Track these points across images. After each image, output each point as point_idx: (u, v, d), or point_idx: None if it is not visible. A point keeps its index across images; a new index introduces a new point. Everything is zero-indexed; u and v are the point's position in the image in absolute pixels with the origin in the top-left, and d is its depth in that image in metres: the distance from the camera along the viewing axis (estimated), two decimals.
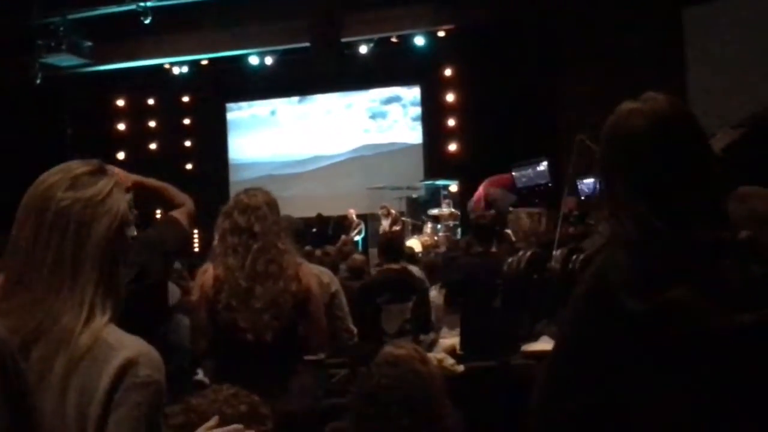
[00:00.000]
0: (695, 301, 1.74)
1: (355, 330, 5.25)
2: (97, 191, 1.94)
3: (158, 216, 4.15)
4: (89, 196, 1.92)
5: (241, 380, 3.90)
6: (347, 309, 5.24)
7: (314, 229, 17.22)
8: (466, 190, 15.80)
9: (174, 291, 5.14)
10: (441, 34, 17.36)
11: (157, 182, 4.01)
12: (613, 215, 1.97)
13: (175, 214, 3.88)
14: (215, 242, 4.21)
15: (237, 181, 20.08)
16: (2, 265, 1.93)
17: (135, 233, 4.19)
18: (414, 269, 8.20)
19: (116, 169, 3.90)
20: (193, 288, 4.28)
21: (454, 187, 16.62)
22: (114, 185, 2.01)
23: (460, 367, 6.19)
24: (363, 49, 17.66)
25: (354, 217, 17.92)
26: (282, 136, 21.39)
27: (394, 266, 7.15)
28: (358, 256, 8.59)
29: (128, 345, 1.88)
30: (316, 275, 4.52)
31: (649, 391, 1.79)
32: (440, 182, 16.71)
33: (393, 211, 16.67)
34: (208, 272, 4.14)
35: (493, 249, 7.23)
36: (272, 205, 4.22)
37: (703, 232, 1.82)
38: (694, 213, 1.84)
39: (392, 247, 7.35)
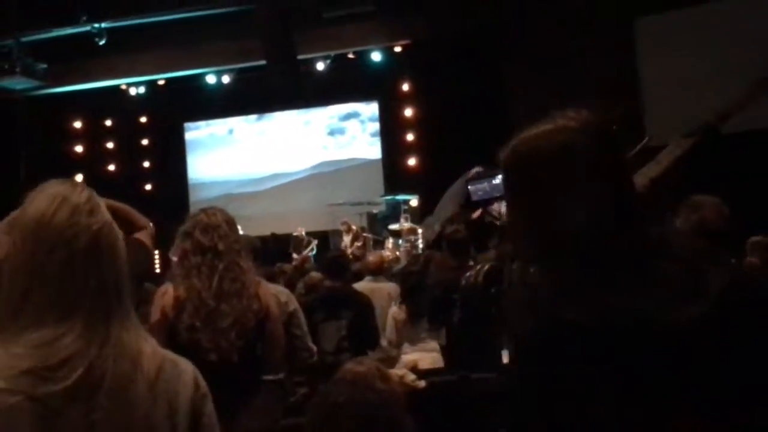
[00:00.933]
0: (635, 302, 1.66)
1: (315, 348, 5.22)
2: (107, 214, 1.97)
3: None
4: (106, 220, 1.95)
5: None
6: (306, 327, 5.22)
7: (268, 246, 17.19)
8: (426, 205, 15.83)
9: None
10: (397, 49, 17.44)
11: (119, 204, 4.00)
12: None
13: (139, 236, 3.87)
14: (174, 263, 4.18)
15: (196, 200, 20.03)
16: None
17: None
18: (389, 285, 8.20)
19: None
20: (152, 310, 4.24)
21: (414, 201, 16.64)
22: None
23: (422, 383, 6.19)
24: (320, 66, 17.68)
25: (303, 234, 17.89)
26: (240, 155, 21.35)
27: (333, 284, 7.15)
28: (315, 274, 8.57)
29: (184, 360, 2.02)
30: (274, 294, 4.51)
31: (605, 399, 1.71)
32: (400, 197, 16.72)
33: (354, 227, 16.66)
34: (168, 293, 4.10)
35: (470, 263, 7.23)
36: (231, 223, 4.21)
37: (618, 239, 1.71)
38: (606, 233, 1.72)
39: (336, 265, 7.34)
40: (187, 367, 2.00)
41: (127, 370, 1.84)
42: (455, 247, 7.30)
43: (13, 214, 2.01)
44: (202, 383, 2.02)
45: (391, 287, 8.21)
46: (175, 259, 4.19)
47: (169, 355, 1.99)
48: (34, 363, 1.74)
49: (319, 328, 6.75)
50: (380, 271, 9.13)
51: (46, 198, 1.91)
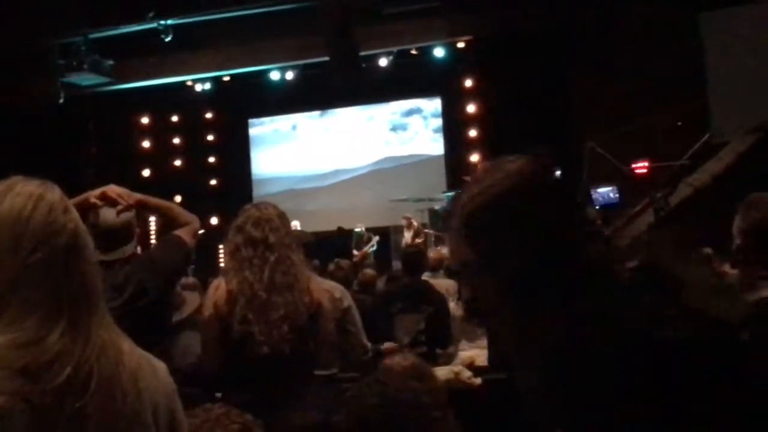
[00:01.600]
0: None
1: (369, 345, 5.23)
2: (75, 212, 1.97)
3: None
4: (78, 218, 1.95)
5: (255, 394, 3.93)
6: (360, 324, 5.22)
7: (333, 241, 17.26)
8: None
9: (192, 300, 5.14)
10: (460, 45, 17.36)
11: (160, 201, 4.05)
12: None
13: (179, 232, 3.91)
14: (226, 256, 4.22)
15: (260, 195, 20.13)
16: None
17: (138, 250, 4.22)
18: (447, 282, 8.21)
19: (119, 188, 3.96)
20: (204, 304, 4.28)
21: None
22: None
23: (478, 380, 6.19)
24: (383, 62, 17.66)
25: (364, 230, 17.88)
26: (303, 151, 21.46)
27: (411, 277, 7.17)
28: (368, 271, 8.62)
29: (151, 356, 2.03)
30: (327, 290, 4.53)
31: None
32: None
33: (415, 223, 16.63)
34: (220, 287, 4.14)
35: None
36: (283, 217, 4.24)
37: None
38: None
39: (412, 260, 7.38)
40: (160, 365, 2.02)
41: (111, 368, 1.85)
42: None
43: None
44: (172, 380, 2.05)
45: (449, 284, 8.21)
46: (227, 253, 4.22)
47: (144, 352, 1.99)
48: (24, 363, 1.74)
49: (397, 319, 6.77)
50: (439, 266, 9.14)
51: (21, 196, 1.90)
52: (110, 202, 3.83)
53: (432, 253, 9.26)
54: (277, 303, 3.99)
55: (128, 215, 3.92)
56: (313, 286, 4.18)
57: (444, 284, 8.13)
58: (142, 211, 4.07)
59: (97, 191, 3.84)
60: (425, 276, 8.31)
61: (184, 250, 3.89)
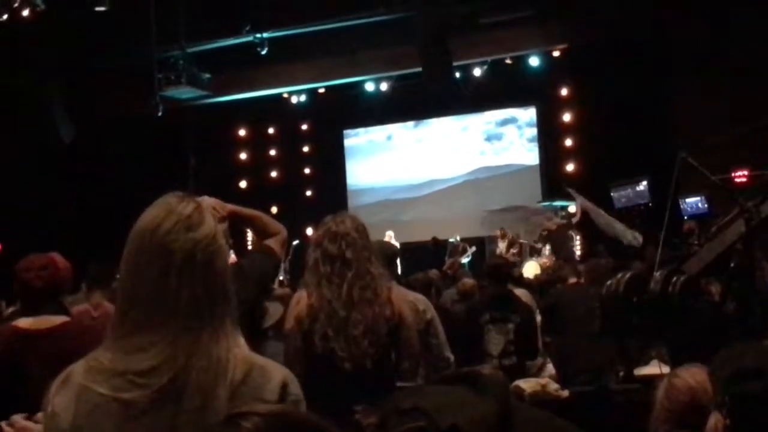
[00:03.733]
0: None
1: (452, 358, 5.18)
2: (210, 229, 2.02)
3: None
4: (206, 235, 2.00)
5: (337, 410, 3.94)
6: (443, 336, 5.18)
7: (429, 251, 17.26)
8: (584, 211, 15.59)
9: (276, 311, 5.18)
10: (555, 53, 17.20)
11: (251, 211, 4.10)
12: None
13: (269, 242, 3.94)
14: (306, 271, 4.23)
15: (355, 206, 20.22)
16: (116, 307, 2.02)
17: (233, 260, 4.27)
18: (519, 291, 8.14)
19: (213, 200, 4.02)
20: (286, 317, 4.31)
21: (572, 207, 16.36)
22: (214, 219, 2.10)
23: (565, 393, 6.09)
24: (477, 72, 17.63)
25: (458, 240, 17.82)
26: (398, 161, 21.47)
27: (498, 288, 7.12)
28: (468, 280, 8.57)
29: (277, 367, 2.05)
30: (411, 301, 4.51)
31: None
32: (558, 203, 16.50)
33: (509, 234, 16.52)
34: (302, 301, 4.16)
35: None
36: (361, 229, 4.22)
37: None
38: None
39: (499, 271, 7.33)
40: (276, 375, 2.00)
41: (209, 380, 1.89)
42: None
43: None
44: (294, 390, 2.02)
45: (520, 293, 8.14)
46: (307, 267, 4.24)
47: (261, 361, 2.02)
48: (127, 367, 1.86)
49: (486, 330, 6.74)
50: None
51: (155, 209, 2.00)
52: None
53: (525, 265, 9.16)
54: (357, 319, 3.99)
55: (222, 227, 3.97)
56: (394, 298, 4.16)
57: (519, 294, 8.05)
58: (235, 221, 4.13)
59: None
60: None
61: (274, 261, 3.93)
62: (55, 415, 1.90)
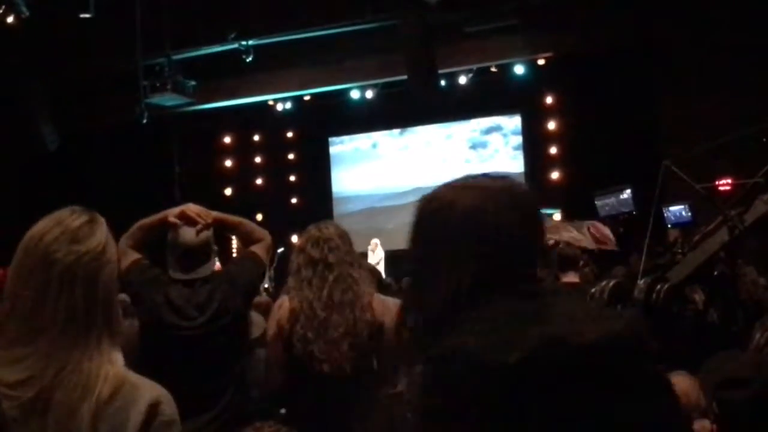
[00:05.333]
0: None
1: None
2: (97, 243, 2.00)
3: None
4: (92, 249, 1.98)
5: (319, 414, 3.94)
6: None
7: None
8: (569, 219, 15.60)
9: (259, 322, 5.18)
10: (541, 62, 17.24)
11: (236, 218, 4.11)
12: None
13: (254, 248, 3.95)
14: (289, 277, 4.24)
15: (341, 214, 20.25)
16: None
17: (218, 267, 4.28)
18: None
19: (197, 207, 4.01)
20: (269, 323, 4.31)
21: (557, 215, 16.38)
22: (107, 234, 2.07)
23: None
24: (462, 80, 17.64)
25: None
26: (384, 169, 21.50)
27: None
28: None
29: (149, 386, 1.98)
30: (392, 306, 4.52)
31: None
32: (543, 211, 16.49)
33: None
34: (283, 306, 4.17)
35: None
36: (344, 236, 4.24)
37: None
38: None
39: None
40: (146, 394, 1.96)
41: (75, 397, 1.86)
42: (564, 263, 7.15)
43: None
44: (166, 410, 1.97)
45: None
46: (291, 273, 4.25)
47: (134, 380, 1.98)
48: (4, 378, 1.86)
49: None
50: None
51: (45, 220, 2.00)
52: (189, 221, 3.88)
53: None
54: (337, 321, 4.00)
55: (207, 234, 3.97)
56: (375, 303, 4.17)
57: None
58: (221, 229, 4.13)
59: (176, 210, 3.90)
60: None
61: (261, 267, 3.94)
62: None
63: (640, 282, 4.55)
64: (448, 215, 1.79)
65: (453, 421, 1.48)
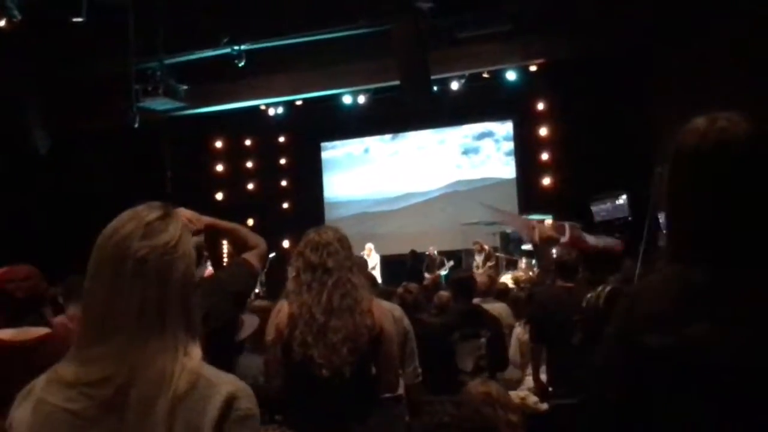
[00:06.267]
0: (713, 338, 1.74)
1: (420, 370, 5.19)
2: (170, 237, 1.99)
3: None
4: (164, 243, 1.97)
5: (318, 418, 3.93)
6: (415, 347, 5.21)
7: (407, 264, 17.27)
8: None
9: (250, 322, 5.17)
10: (533, 68, 17.29)
11: (229, 224, 4.08)
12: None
13: (247, 255, 3.93)
14: (289, 281, 4.24)
15: (332, 219, 20.27)
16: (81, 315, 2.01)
17: (205, 274, 4.26)
18: (498, 306, 8.13)
19: (188, 212, 3.99)
20: (267, 327, 4.30)
21: (548, 221, 16.40)
22: (182, 228, 2.06)
23: (544, 406, 6.11)
24: (454, 85, 17.69)
25: (435, 253, 17.85)
26: (375, 174, 21.57)
27: (465, 305, 7.11)
28: (444, 293, 8.54)
29: (226, 380, 1.97)
30: (389, 311, 4.51)
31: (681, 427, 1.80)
32: (534, 216, 16.53)
33: (486, 247, 16.57)
34: (282, 310, 4.16)
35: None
36: (343, 240, 4.24)
37: (755, 270, 1.78)
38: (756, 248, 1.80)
39: (463, 286, 7.30)
40: (223, 389, 1.94)
41: (152, 392, 1.87)
42: (564, 269, 7.18)
43: None
44: (243, 405, 1.95)
45: (501, 307, 8.13)
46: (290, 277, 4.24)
47: (210, 375, 1.97)
48: (78, 378, 1.87)
49: (457, 348, 6.73)
50: (488, 292, 9.06)
51: (120, 217, 1.99)
52: None
53: (479, 278, 9.11)
54: (336, 326, 3.99)
55: (197, 240, 3.94)
56: (375, 308, 4.17)
57: (496, 308, 8.03)
58: (213, 234, 4.11)
59: None
60: (475, 302, 8.21)
61: (252, 274, 3.92)
62: (11, 429, 1.91)
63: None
64: None
65: None
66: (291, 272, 4.21)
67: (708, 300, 1.78)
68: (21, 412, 1.91)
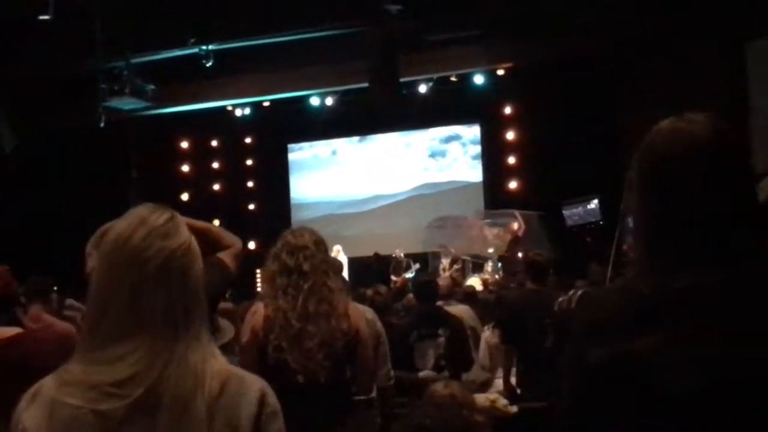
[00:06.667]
0: (658, 355, 1.61)
1: (393, 372, 5.21)
2: (184, 238, 2.03)
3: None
4: (182, 243, 2.01)
5: (293, 423, 3.91)
6: (388, 351, 5.22)
7: (372, 268, 17.27)
8: (527, 227, 15.74)
9: (227, 328, 5.15)
10: (500, 72, 17.36)
11: (203, 224, 4.05)
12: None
13: (221, 255, 3.90)
14: (263, 283, 4.22)
15: (299, 220, 20.20)
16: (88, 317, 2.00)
17: None
18: (461, 307, 8.15)
19: None
20: (242, 329, 4.28)
21: (515, 224, 16.50)
22: (188, 230, 2.10)
23: (513, 408, 6.12)
24: (422, 89, 17.73)
25: (402, 256, 17.87)
26: (343, 176, 21.56)
27: (425, 305, 7.13)
28: (412, 296, 8.57)
29: (253, 378, 2.03)
30: (363, 315, 4.50)
31: None
32: (500, 220, 16.62)
33: (452, 250, 16.60)
34: (258, 313, 4.13)
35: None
36: (319, 243, 4.21)
37: (713, 274, 1.63)
38: (718, 251, 1.66)
39: (425, 290, 7.33)
40: (254, 385, 2.00)
41: (188, 389, 1.88)
42: (535, 270, 7.21)
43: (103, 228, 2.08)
44: (271, 401, 2.01)
45: (460, 310, 8.16)
46: (265, 279, 4.23)
47: (238, 372, 2.01)
48: (102, 379, 1.85)
49: (416, 347, 6.74)
50: (451, 294, 9.09)
51: (127, 219, 2.00)
52: None
53: (441, 281, 9.13)
54: (312, 332, 3.97)
55: None
56: (351, 312, 4.15)
57: (458, 310, 8.04)
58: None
59: None
60: (439, 304, 8.22)
61: (226, 274, 3.89)
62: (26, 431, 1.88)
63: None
64: None
65: None
66: (265, 274, 4.18)
67: (658, 313, 1.66)
68: (32, 414, 1.89)
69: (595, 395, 1.69)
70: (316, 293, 4.03)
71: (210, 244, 3.99)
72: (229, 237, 3.98)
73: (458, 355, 6.82)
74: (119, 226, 1.99)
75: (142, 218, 1.99)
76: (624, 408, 1.64)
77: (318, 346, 3.96)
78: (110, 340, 1.89)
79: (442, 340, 6.74)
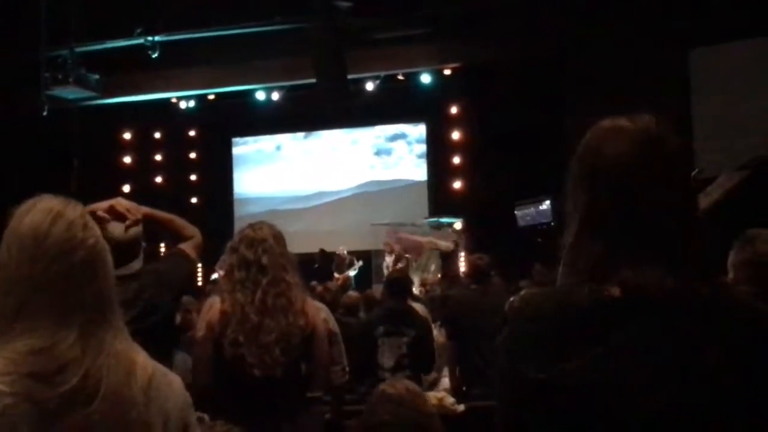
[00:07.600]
0: (588, 375, 1.51)
1: (348, 369, 5.22)
2: (97, 230, 2.06)
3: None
4: (98, 235, 2.04)
5: (246, 417, 3.90)
6: (343, 347, 5.22)
7: (316, 265, 17.21)
8: (471, 228, 15.83)
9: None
10: (447, 71, 17.40)
11: (165, 214, 4.02)
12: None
13: (183, 246, 3.87)
14: (221, 277, 4.19)
15: (241, 215, 20.08)
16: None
17: (141, 266, 4.17)
18: (416, 305, 8.18)
19: (127, 202, 3.91)
20: (197, 322, 4.25)
21: (458, 224, 16.59)
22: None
23: (460, 407, 6.17)
24: (369, 86, 17.69)
25: (345, 253, 17.87)
26: (287, 172, 21.45)
27: (395, 302, 7.14)
28: (352, 294, 8.60)
29: (171, 372, 2.09)
30: (320, 311, 4.51)
31: None
32: (445, 220, 16.69)
33: (396, 248, 16.62)
34: (214, 307, 4.10)
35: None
36: (278, 237, 4.21)
37: (650, 281, 1.53)
38: (655, 256, 1.56)
39: (397, 284, 7.34)
40: (175, 378, 2.06)
41: (121, 378, 1.91)
42: (476, 274, 7.30)
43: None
44: (188, 394, 2.07)
45: (417, 307, 8.18)
46: (221, 273, 4.20)
47: (159, 365, 2.05)
48: (33, 368, 1.84)
49: (380, 343, 6.75)
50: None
51: (41, 212, 1.99)
52: (118, 216, 3.77)
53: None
54: (269, 326, 3.96)
55: (136, 230, 3.86)
56: (308, 308, 4.15)
57: (414, 308, 8.08)
58: (150, 224, 4.03)
59: (105, 204, 3.77)
60: None
61: (191, 265, 3.87)
62: None
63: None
64: None
65: None
66: (223, 267, 4.16)
67: (593, 328, 1.55)
68: None
69: (527, 411, 1.57)
70: (275, 287, 4.03)
71: (172, 235, 3.98)
72: (190, 228, 3.97)
73: (421, 357, 6.84)
74: (34, 219, 1.97)
75: (58, 211, 1.99)
76: (557, 428, 1.54)
77: (275, 340, 3.96)
78: (32, 330, 1.88)
79: (405, 340, 6.75)
